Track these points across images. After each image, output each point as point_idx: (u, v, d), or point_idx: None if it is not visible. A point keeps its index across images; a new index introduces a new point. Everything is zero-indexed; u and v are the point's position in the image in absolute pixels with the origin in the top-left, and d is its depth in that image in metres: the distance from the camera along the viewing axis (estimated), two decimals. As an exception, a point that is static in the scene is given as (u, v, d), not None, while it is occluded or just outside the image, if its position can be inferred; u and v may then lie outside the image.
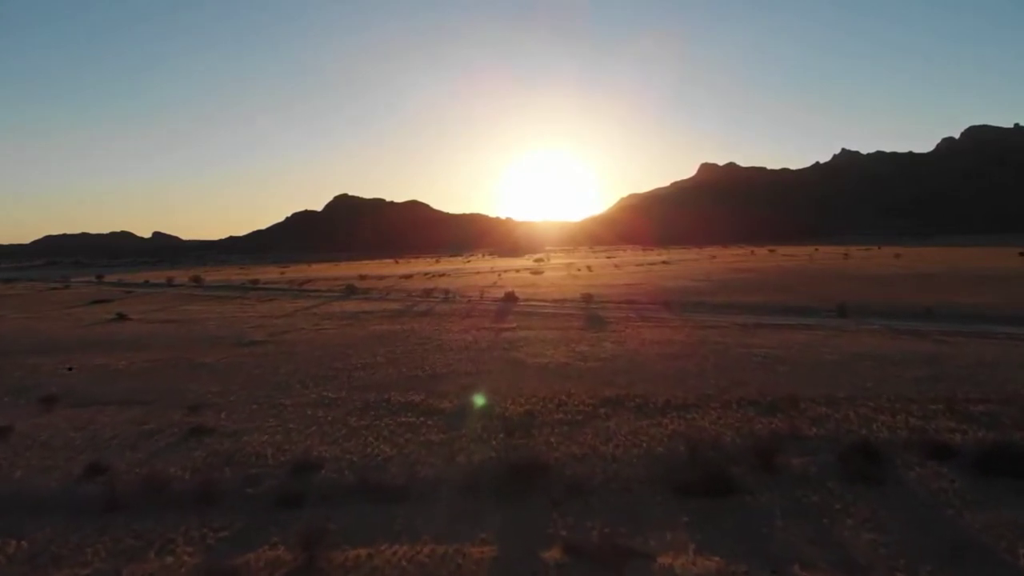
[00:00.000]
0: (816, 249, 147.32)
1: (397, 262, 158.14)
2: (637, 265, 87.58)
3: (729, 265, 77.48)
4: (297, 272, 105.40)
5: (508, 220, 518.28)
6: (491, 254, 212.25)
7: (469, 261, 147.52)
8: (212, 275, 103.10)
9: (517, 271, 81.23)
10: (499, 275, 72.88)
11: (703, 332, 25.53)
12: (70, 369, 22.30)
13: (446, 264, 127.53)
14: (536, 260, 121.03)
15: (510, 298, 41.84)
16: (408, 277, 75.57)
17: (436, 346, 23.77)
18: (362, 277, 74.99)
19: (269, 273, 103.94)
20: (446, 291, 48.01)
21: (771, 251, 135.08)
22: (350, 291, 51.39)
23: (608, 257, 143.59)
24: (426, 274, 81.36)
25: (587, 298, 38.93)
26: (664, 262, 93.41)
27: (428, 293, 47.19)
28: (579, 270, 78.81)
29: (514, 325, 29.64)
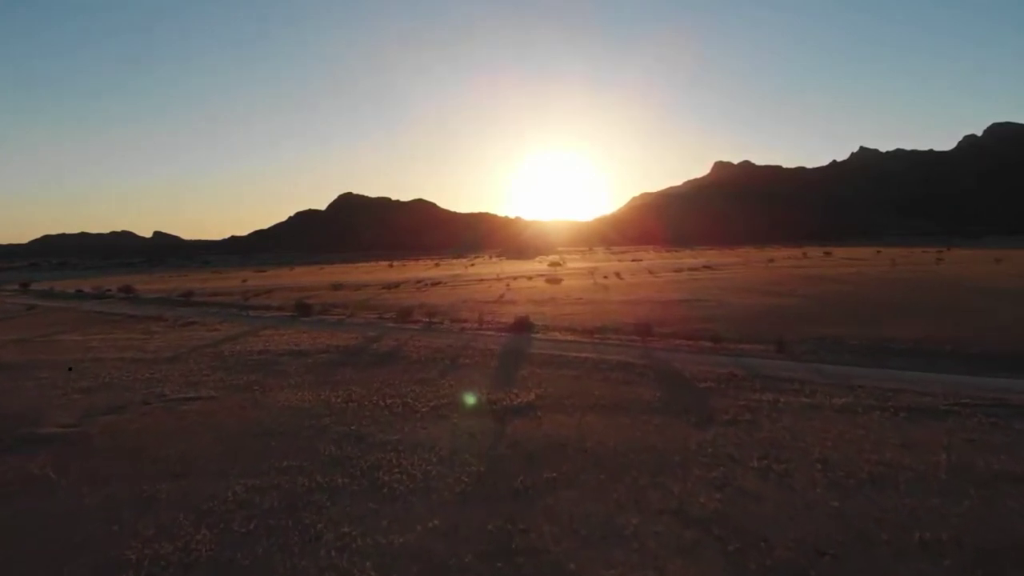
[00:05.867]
0: (878, 251, 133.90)
1: (391, 265, 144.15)
2: (675, 271, 72.28)
3: (795, 273, 63.04)
4: (269, 279, 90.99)
5: (517, 220, 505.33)
6: (498, 255, 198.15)
7: (473, 265, 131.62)
8: (171, 282, 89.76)
9: (529, 278, 66.62)
10: (507, 284, 58.88)
11: (935, 436, 11.72)
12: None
13: (446, 268, 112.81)
14: (551, 264, 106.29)
15: (522, 326, 28.40)
16: (394, 286, 61.71)
17: (363, 477, 10.32)
18: (336, 287, 61.10)
19: (233, 280, 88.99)
20: (432, 313, 34.42)
21: (827, 253, 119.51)
22: (302, 311, 37.75)
23: (633, 260, 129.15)
24: (418, 282, 67.24)
25: (642, 329, 25.22)
26: (706, 267, 78.46)
27: (407, 315, 33.66)
28: (605, 277, 64.44)
29: (532, 395, 16.22)
